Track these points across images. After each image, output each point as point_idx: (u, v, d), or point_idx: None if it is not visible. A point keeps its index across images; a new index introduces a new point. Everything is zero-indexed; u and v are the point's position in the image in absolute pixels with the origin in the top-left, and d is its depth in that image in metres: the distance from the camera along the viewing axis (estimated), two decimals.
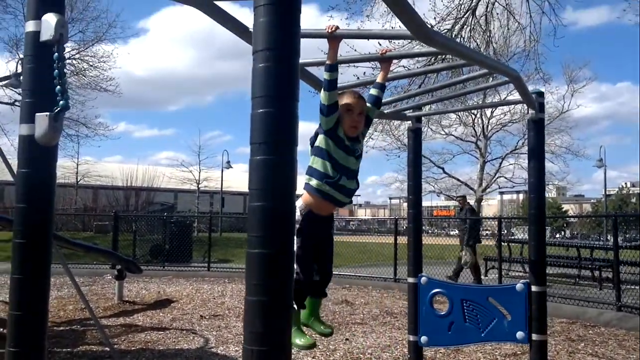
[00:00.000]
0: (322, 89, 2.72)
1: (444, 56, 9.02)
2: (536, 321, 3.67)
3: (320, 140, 2.81)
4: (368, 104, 2.86)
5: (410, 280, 4.18)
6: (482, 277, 12.04)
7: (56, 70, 1.75)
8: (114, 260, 8.90)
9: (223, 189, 34.91)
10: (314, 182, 2.74)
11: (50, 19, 1.74)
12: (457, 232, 14.16)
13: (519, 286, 3.74)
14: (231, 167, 35.54)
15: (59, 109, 1.73)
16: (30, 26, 1.80)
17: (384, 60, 2.90)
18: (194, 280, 11.84)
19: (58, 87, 1.74)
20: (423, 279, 4.10)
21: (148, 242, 15.30)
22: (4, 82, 18.82)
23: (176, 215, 20.86)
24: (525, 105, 3.90)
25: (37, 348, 1.76)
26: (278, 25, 1.34)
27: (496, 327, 3.82)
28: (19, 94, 20.06)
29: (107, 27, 22.04)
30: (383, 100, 3.30)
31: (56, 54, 1.75)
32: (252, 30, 1.35)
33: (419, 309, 4.10)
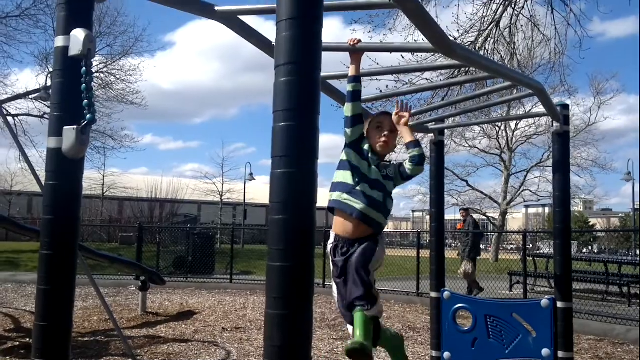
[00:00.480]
0: (347, 102, 2.73)
1: (467, 68, 8.98)
2: (562, 338, 3.59)
3: (342, 154, 2.80)
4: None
5: (433, 294, 4.13)
6: (507, 292, 11.87)
7: (84, 85, 1.79)
8: (138, 272, 8.99)
9: (245, 201, 35.11)
10: (335, 196, 2.74)
11: (78, 35, 1.78)
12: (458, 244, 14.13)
13: (544, 302, 3.67)
14: (254, 179, 35.79)
15: (86, 122, 1.77)
16: (59, 41, 1.84)
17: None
18: (217, 292, 11.89)
19: (85, 101, 1.78)
20: (446, 294, 4.06)
21: (171, 254, 15.44)
22: (34, 95, 19.29)
23: (199, 227, 21.03)
24: (549, 119, 3.85)
25: (61, 359, 1.78)
26: (300, 40, 1.35)
27: (521, 343, 3.75)
28: (48, 107, 20.55)
29: (134, 41, 22.54)
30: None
31: (84, 68, 1.79)
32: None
33: (442, 324, 4.05)
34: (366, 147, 2.82)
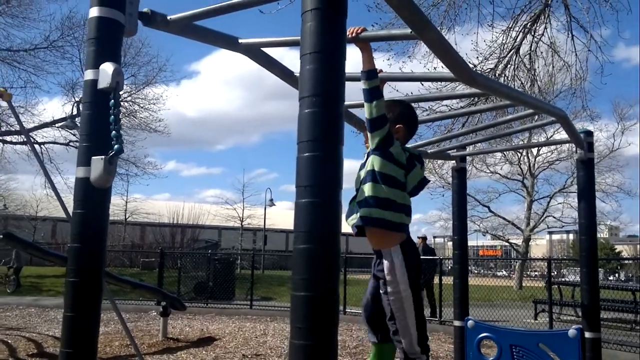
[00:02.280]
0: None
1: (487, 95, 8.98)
2: None
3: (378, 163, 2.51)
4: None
5: (457, 323, 4.08)
6: (532, 320, 11.63)
7: (112, 116, 1.84)
8: (160, 297, 9.02)
9: (266, 227, 35.17)
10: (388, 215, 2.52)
11: (107, 68, 1.84)
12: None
13: (571, 332, 3.59)
14: (274, 205, 35.87)
15: (113, 152, 1.81)
16: (89, 75, 1.90)
17: (358, 42, 2.23)
18: (237, 318, 11.84)
19: (113, 132, 1.83)
20: (470, 323, 3.99)
21: (192, 279, 15.47)
22: (60, 124, 19.73)
23: (220, 252, 21.09)
24: (571, 144, 3.83)
25: None
26: (323, 73, 1.37)
27: None
28: (74, 135, 20.99)
29: (157, 71, 23.00)
30: (429, 140, 3.29)
31: (112, 100, 1.84)
32: (297, 75, 1.40)
33: (466, 353, 3.98)
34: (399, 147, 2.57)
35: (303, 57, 1.39)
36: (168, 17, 2.08)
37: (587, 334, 3.55)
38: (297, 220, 1.36)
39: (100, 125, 1.87)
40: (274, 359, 7.26)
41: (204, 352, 7.75)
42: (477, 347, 3.96)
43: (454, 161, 4.10)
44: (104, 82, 1.84)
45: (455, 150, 4.06)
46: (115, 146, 1.82)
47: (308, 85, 1.38)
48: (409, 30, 1.83)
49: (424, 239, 14.08)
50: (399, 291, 2.50)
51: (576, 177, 3.73)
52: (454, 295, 4.15)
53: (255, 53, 2.36)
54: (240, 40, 2.35)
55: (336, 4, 1.38)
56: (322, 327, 1.32)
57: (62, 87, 29.24)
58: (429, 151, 3.79)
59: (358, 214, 2.48)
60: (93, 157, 1.81)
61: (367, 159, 2.55)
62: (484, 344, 4.00)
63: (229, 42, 2.35)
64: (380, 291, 2.59)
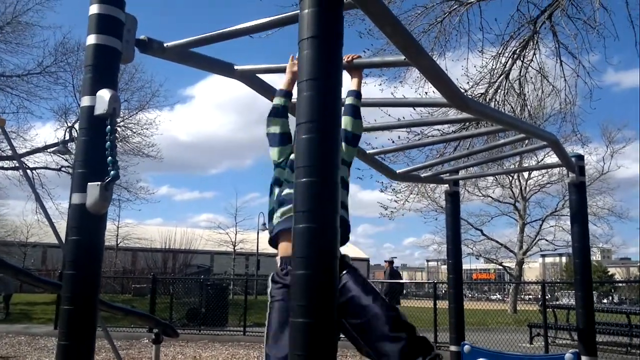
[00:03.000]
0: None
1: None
2: None
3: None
4: (346, 117, 2.47)
5: (453, 348, 4.05)
6: (527, 344, 11.57)
7: (108, 142, 1.84)
8: (152, 324, 8.89)
9: (259, 251, 34.96)
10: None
11: (104, 95, 1.85)
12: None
13: (568, 356, 3.57)
14: (267, 229, 35.66)
15: (110, 178, 1.81)
16: (85, 101, 1.91)
17: (352, 69, 2.42)
18: (230, 345, 11.70)
19: (110, 157, 1.83)
20: (466, 347, 3.97)
21: (185, 305, 15.30)
22: (52, 149, 19.67)
23: (212, 277, 20.91)
24: (562, 168, 3.86)
25: None
26: (320, 100, 1.39)
27: None
28: (67, 160, 20.93)
29: (151, 96, 23.08)
30: (422, 164, 3.29)
31: (109, 126, 1.85)
32: (292, 101, 1.42)
33: None
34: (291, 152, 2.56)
35: (300, 84, 1.40)
36: (165, 44, 2.11)
37: (583, 358, 3.53)
38: (296, 245, 1.36)
39: (96, 152, 1.87)
40: None
41: None
42: None
43: (447, 185, 4.12)
44: (100, 108, 1.85)
45: (448, 174, 4.09)
46: (112, 172, 1.82)
47: (305, 111, 1.39)
48: (402, 57, 1.86)
49: (391, 262, 14.52)
50: None
51: (568, 200, 3.75)
52: (449, 319, 4.12)
53: (250, 79, 2.39)
54: (235, 67, 2.38)
55: (332, 32, 1.40)
56: (321, 354, 1.31)
57: (54, 112, 29.28)
58: (422, 175, 3.81)
59: None
60: (89, 183, 1.81)
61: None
62: None
63: (225, 69, 2.37)
64: None
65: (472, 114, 2.25)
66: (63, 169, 21.43)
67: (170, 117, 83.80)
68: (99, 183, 1.80)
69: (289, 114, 2.44)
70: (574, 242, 3.69)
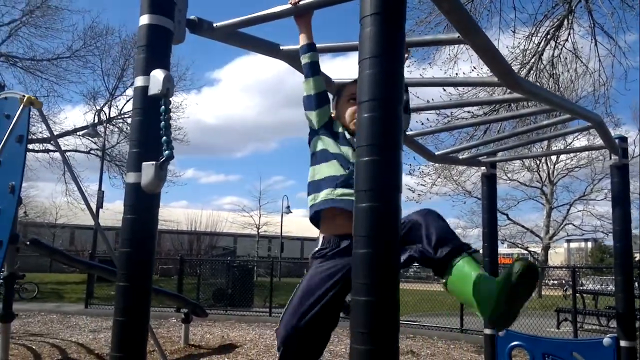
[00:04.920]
0: (305, 77, 2.24)
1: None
2: None
3: (314, 143, 2.28)
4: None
5: (487, 331, 4.04)
6: (554, 329, 11.49)
7: (162, 122, 1.86)
8: (181, 304, 9.06)
9: (282, 234, 35.20)
10: (322, 195, 2.17)
11: (158, 75, 1.86)
12: None
13: (606, 341, 3.54)
14: (291, 212, 35.92)
15: (164, 158, 1.83)
16: (139, 81, 1.93)
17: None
18: (256, 326, 11.85)
19: (164, 137, 1.84)
20: (501, 331, 3.96)
21: (211, 286, 15.53)
22: (82, 132, 19.98)
23: (238, 259, 21.16)
24: (591, 151, 3.79)
25: None
26: (383, 77, 1.38)
27: None
28: (95, 143, 21.24)
29: (177, 79, 23.20)
30: (456, 147, 3.23)
31: (163, 107, 1.86)
32: (335, 81, 1.40)
33: None
34: (341, 129, 2.27)
35: (362, 61, 1.39)
36: (214, 25, 2.11)
37: (622, 343, 3.50)
38: (357, 224, 1.36)
39: (150, 131, 1.89)
40: None
41: (226, 359, 7.77)
42: (508, 356, 3.92)
43: (484, 167, 4.08)
44: (154, 88, 1.85)
45: (485, 156, 4.04)
46: (166, 152, 1.84)
47: (367, 89, 1.38)
48: (456, 35, 1.83)
49: None
50: None
51: (610, 183, 3.69)
52: None
53: (296, 59, 2.37)
54: (281, 47, 2.37)
55: (395, 9, 1.39)
56: (383, 332, 1.31)
57: (83, 95, 29.73)
58: (460, 157, 3.78)
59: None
60: (144, 163, 1.83)
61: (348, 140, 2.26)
62: (515, 353, 3.96)
63: (271, 49, 2.37)
64: None
65: (522, 93, 2.22)
66: (92, 151, 21.77)
67: (197, 100, 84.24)
68: (154, 162, 1.82)
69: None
70: (614, 225, 3.64)
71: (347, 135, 2.23)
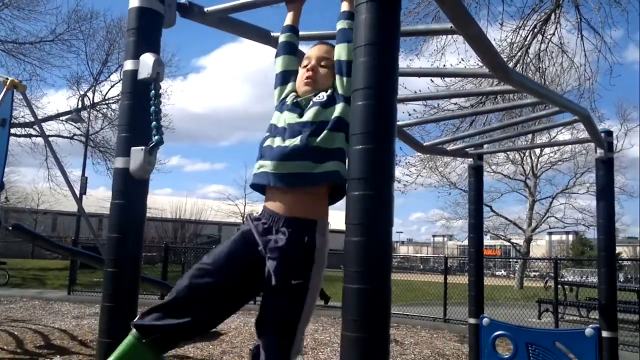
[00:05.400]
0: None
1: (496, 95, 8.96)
2: None
3: None
4: (341, 45, 2.03)
5: (472, 321, 4.08)
6: (536, 319, 11.66)
7: (153, 107, 1.84)
8: (166, 291, 9.02)
9: None
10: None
11: (148, 59, 1.83)
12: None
13: (588, 331, 3.59)
14: None
15: (154, 143, 1.81)
16: (128, 65, 1.90)
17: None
18: (241, 313, 11.82)
19: (154, 122, 1.82)
20: (485, 320, 4.00)
21: None
22: (65, 117, 19.71)
23: None
24: (574, 145, 3.83)
25: None
26: (378, 65, 1.37)
27: None
28: (79, 128, 20.98)
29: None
30: (444, 138, 3.25)
31: (153, 91, 1.84)
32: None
33: (481, 351, 3.98)
34: (289, 97, 2.10)
35: (357, 49, 1.38)
36: (205, 9, 2.08)
37: (604, 333, 3.56)
38: (350, 213, 1.36)
39: (140, 116, 1.87)
40: None
41: (210, 346, 7.75)
42: (492, 345, 3.97)
43: (470, 159, 4.10)
44: (144, 72, 1.83)
45: (473, 148, 4.06)
46: (156, 137, 1.82)
47: (362, 77, 1.38)
48: (449, 25, 1.82)
49: None
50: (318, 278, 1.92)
51: (595, 176, 3.73)
52: (469, 292, 4.15)
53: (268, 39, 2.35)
54: (272, 34, 2.35)
55: None
56: (374, 320, 1.32)
57: (67, 80, 29.31)
58: (448, 148, 3.79)
59: (322, 164, 1.86)
60: (133, 148, 1.81)
61: (329, 101, 1.97)
62: (498, 343, 4.01)
63: (262, 36, 2.35)
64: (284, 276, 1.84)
65: (513, 85, 2.23)
66: (75, 137, 21.50)
67: (182, 87, 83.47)
68: (143, 148, 1.80)
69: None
70: (599, 218, 3.68)
71: (293, 100, 2.05)
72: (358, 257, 1.33)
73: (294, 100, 2.03)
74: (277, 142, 1.92)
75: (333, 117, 1.90)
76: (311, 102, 1.98)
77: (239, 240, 1.95)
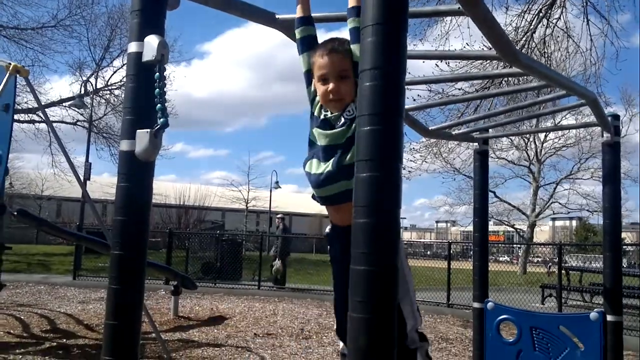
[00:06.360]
0: (298, 53, 2.20)
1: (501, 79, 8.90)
2: (612, 352, 3.53)
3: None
4: (356, 45, 2.00)
5: (476, 305, 4.09)
6: (539, 304, 11.70)
7: (157, 89, 1.82)
8: (171, 276, 9.08)
9: (271, 209, 35.23)
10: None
11: (152, 41, 1.82)
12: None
13: (593, 315, 3.59)
14: (279, 187, 35.96)
15: (159, 126, 1.80)
16: (132, 47, 1.88)
17: None
18: (245, 298, 11.93)
19: (159, 105, 1.81)
20: (489, 305, 4.01)
21: (199, 259, 15.57)
22: (68, 103, 19.70)
23: (227, 233, 21.21)
24: (579, 129, 3.81)
25: (131, 357, 1.81)
26: (386, 45, 1.35)
27: (568, 357, 3.68)
28: (82, 114, 20.97)
29: None
30: (451, 122, 3.22)
31: (157, 73, 1.83)
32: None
33: (485, 335, 4.00)
34: (316, 110, 2.16)
35: (365, 29, 1.36)
36: None
37: (609, 317, 3.56)
38: (358, 194, 1.35)
39: (145, 99, 1.85)
40: (286, 339, 7.32)
41: (215, 330, 7.82)
42: (496, 329, 3.98)
43: (477, 144, 4.08)
44: (148, 54, 1.81)
45: (478, 132, 4.04)
46: (161, 120, 1.81)
47: (369, 57, 1.36)
48: (457, 6, 1.80)
49: (283, 219, 15.94)
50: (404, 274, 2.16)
51: (602, 160, 3.71)
52: (473, 277, 4.15)
53: (292, 30, 2.33)
54: (277, 16, 2.33)
55: None
56: (382, 301, 1.31)
57: (69, 66, 29.23)
58: (453, 132, 3.77)
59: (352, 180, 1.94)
60: (138, 130, 1.80)
61: (351, 114, 2.03)
62: (502, 327, 4.02)
63: (267, 18, 2.32)
64: None
65: (521, 68, 2.20)
66: (79, 123, 21.50)
67: (186, 73, 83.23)
68: (149, 130, 1.79)
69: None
70: (604, 202, 3.67)
71: (322, 115, 2.11)
72: (365, 239, 1.33)
73: (324, 117, 2.09)
74: (314, 167, 2.07)
75: None
76: (341, 120, 2.03)
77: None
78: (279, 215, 16.18)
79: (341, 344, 2.32)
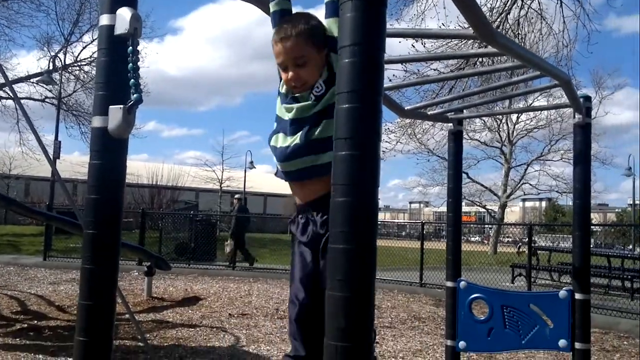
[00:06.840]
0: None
1: (476, 59, 8.96)
2: (580, 329, 3.62)
3: None
4: (330, 19, 1.97)
5: (449, 284, 4.14)
6: (509, 284, 11.96)
7: (130, 64, 1.77)
8: (144, 257, 9.00)
9: (245, 189, 35.07)
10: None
11: (124, 13, 1.76)
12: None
13: (562, 293, 3.68)
14: (254, 168, 35.76)
15: (132, 102, 1.75)
16: (104, 20, 1.82)
17: None
18: (219, 279, 11.92)
19: (132, 80, 1.76)
20: (462, 283, 4.07)
21: (173, 240, 15.45)
22: (36, 79, 19.16)
23: (201, 214, 21.06)
24: (550, 111, 3.86)
25: (105, 338, 1.78)
26: (364, 21, 1.33)
27: (538, 334, 3.77)
28: (51, 91, 20.44)
29: None
30: (427, 102, 3.22)
31: (130, 47, 1.78)
32: None
33: (457, 313, 4.06)
34: (282, 89, 2.11)
35: (344, 4, 1.34)
36: None
37: (577, 296, 3.64)
38: (336, 173, 1.34)
39: (117, 74, 1.80)
40: (260, 318, 7.35)
41: (190, 311, 7.80)
42: (468, 308, 4.05)
43: (451, 124, 4.10)
44: (121, 27, 1.76)
45: (453, 113, 4.05)
46: (134, 95, 1.76)
47: (348, 33, 1.34)
48: None
49: (240, 199, 16.61)
50: None
51: (573, 141, 3.77)
52: (447, 256, 4.19)
53: (267, 5, 2.28)
54: None
55: None
56: (360, 280, 1.31)
57: (37, 40, 28.35)
58: (429, 113, 3.78)
59: (323, 154, 1.93)
60: (111, 107, 1.75)
61: (320, 90, 1.97)
62: (474, 305, 4.09)
63: None
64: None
65: (497, 47, 2.20)
66: (47, 100, 20.96)
67: (158, 50, 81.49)
68: (122, 106, 1.74)
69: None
70: (575, 183, 3.73)
71: (289, 94, 2.07)
72: (344, 217, 1.32)
73: (292, 95, 2.04)
74: (280, 140, 2.03)
75: (330, 102, 1.86)
76: (312, 98, 1.98)
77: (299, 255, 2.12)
78: (236, 196, 16.66)
79: (290, 347, 2.13)
